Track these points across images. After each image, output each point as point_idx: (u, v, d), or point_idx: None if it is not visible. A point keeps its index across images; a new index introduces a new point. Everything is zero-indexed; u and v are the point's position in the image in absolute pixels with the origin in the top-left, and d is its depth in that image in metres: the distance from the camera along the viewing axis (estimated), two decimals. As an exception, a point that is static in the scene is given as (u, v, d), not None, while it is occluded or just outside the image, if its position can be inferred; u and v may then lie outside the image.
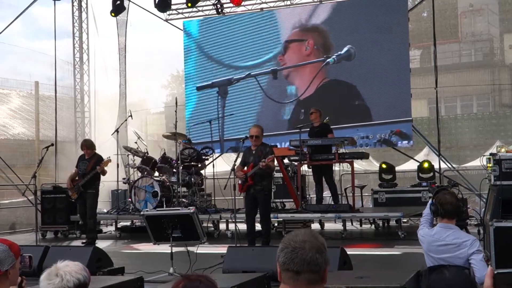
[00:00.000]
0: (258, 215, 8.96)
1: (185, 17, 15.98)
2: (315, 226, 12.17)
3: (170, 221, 7.16)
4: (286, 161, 11.65)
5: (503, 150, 7.57)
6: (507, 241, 5.78)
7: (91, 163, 10.55)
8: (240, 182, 8.88)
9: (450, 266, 4.29)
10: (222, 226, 11.95)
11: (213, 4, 15.47)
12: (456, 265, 4.38)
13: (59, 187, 12.89)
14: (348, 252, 6.73)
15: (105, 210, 13.71)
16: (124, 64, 17.08)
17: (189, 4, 14.87)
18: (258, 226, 9.13)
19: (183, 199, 11.49)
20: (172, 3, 15.17)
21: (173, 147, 12.31)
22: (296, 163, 11.28)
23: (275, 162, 9.61)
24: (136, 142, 12.42)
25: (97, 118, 17.28)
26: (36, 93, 18.77)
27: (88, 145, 10.85)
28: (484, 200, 9.17)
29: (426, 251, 4.68)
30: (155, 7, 15.11)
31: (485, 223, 7.53)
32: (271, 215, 9.59)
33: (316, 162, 10.76)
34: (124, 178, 12.55)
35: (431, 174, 12.69)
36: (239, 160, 9.18)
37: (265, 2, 15.28)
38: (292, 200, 11.64)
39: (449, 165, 13.68)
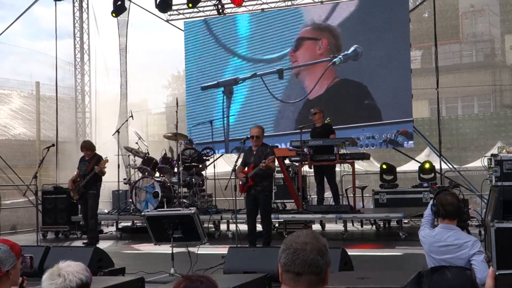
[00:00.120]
0: (259, 216, 8.96)
1: (186, 18, 15.99)
2: (316, 226, 12.17)
3: (171, 221, 7.16)
4: (287, 161, 11.64)
5: (504, 151, 7.56)
6: (508, 242, 5.76)
7: (91, 164, 10.55)
8: (240, 183, 8.90)
9: (452, 267, 4.29)
10: (223, 226, 11.95)
11: (214, 5, 15.47)
12: (457, 266, 4.37)
13: (60, 187, 12.90)
14: (349, 253, 6.73)
15: (106, 211, 13.71)
16: (125, 65, 17.08)
17: (190, 5, 14.86)
18: (259, 227, 9.14)
19: (184, 200, 11.50)
20: (173, 3, 15.18)
21: (175, 147, 12.31)
22: (297, 164, 11.27)
23: (276, 163, 9.61)
24: (137, 143, 12.42)
25: (98, 118, 17.30)
26: (37, 94, 18.73)
27: (87, 146, 10.86)
28: (485, 201, 9.16)
29: (427, 252, 4.68)
30: (156, 7, 15.12)
31: (486, 224, 7.53)
32: (272, 216, 9.60)
33: (316, 162, 10.75)
34: (125, 179, 12.55)
35: (432, 175, 12.68)
36: (240, 160, 9.19)
37: (266, 3, 15.28)
38: (293, 200, 11.64)
39: (450, 166, 13.68)
